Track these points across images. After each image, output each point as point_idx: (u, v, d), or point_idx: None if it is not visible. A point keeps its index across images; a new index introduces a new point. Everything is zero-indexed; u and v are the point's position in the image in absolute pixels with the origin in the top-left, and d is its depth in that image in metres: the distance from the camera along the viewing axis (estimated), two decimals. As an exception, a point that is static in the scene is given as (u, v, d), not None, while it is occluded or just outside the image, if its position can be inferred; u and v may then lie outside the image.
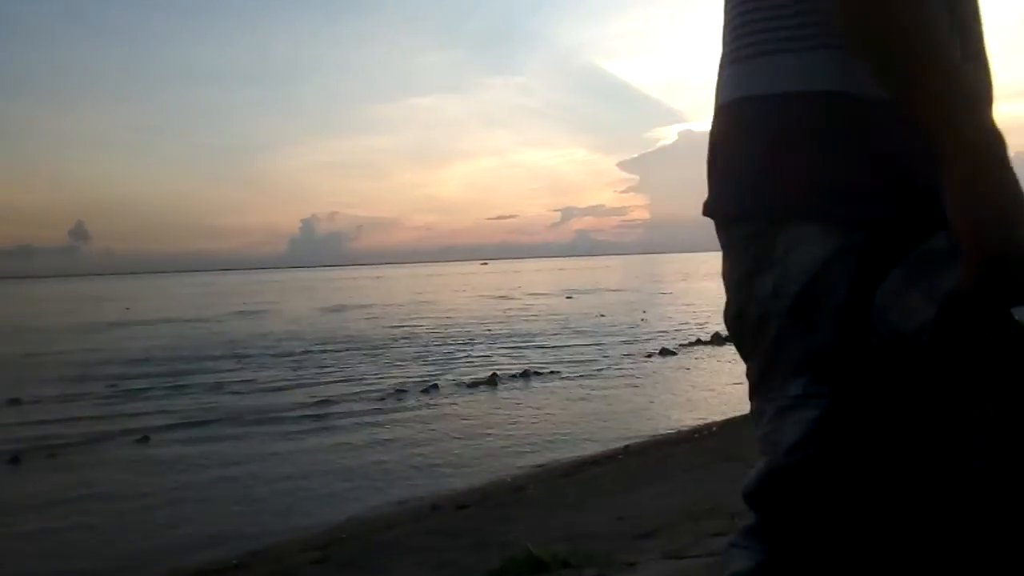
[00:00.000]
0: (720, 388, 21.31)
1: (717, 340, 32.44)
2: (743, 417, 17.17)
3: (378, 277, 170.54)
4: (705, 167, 1.61)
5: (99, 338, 40.67)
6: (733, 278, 1.50)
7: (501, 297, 67.58)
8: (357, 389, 21.50)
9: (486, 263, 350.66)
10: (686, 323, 39.06)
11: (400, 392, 21.20)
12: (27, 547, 10.39)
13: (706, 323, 38.94)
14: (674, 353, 27.89)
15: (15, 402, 20.82)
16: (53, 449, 15.32)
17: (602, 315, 44.95)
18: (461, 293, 79.94)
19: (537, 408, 18.85)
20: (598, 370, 24.61)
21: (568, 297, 65.29)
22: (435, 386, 21.97)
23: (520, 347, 30.83)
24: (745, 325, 1.52)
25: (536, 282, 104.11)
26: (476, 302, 63.51)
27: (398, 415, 18.41)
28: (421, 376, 23.82)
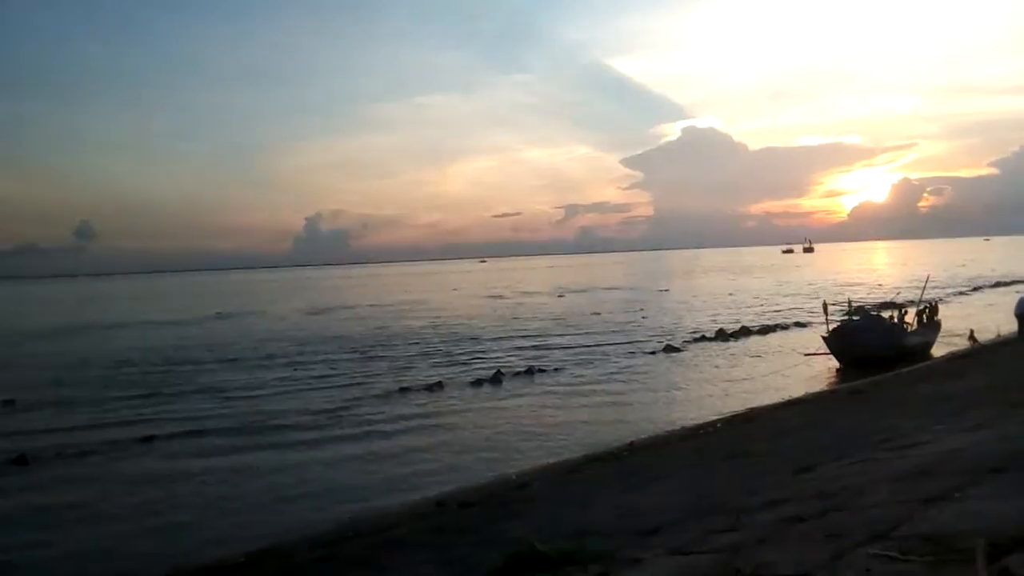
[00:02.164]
0: (724, 384, 21.32)
1: (722, 336, 32.60)
2: (747, 413, 17.24)
3: (375, 276, 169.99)
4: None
5: (80, 340, 40.40)
6: None
7: (492, 297, 66.97)
8: (358, 393, 21.15)
9: (484, 261, 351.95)
10: (687, 320, 39.18)
11: (404, 391, 21.25)
12: (39, 548, 10.46)
13: (709, 320, 39.47)
14: (679, 349, 27.90)
15: (9, 403, 20.70)
16: (60, 452, 15.30)
17: (596, 313, 45.18)
18: (453, 292, 79.29)
19: (541, 405, 18.86)
20: (602, 367, 24.63)
21: (560, 296, 65.29)
22: (439, 384, 22.03)
23: (521, 346, 30.76)
24: None
25: (530, 280, 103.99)
26: (467, 301, 63.11)
27: (403, 414, 18.43)
28: (424, 375, 23.84)
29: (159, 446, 15.90)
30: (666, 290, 66.40)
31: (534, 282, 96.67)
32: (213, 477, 13.41)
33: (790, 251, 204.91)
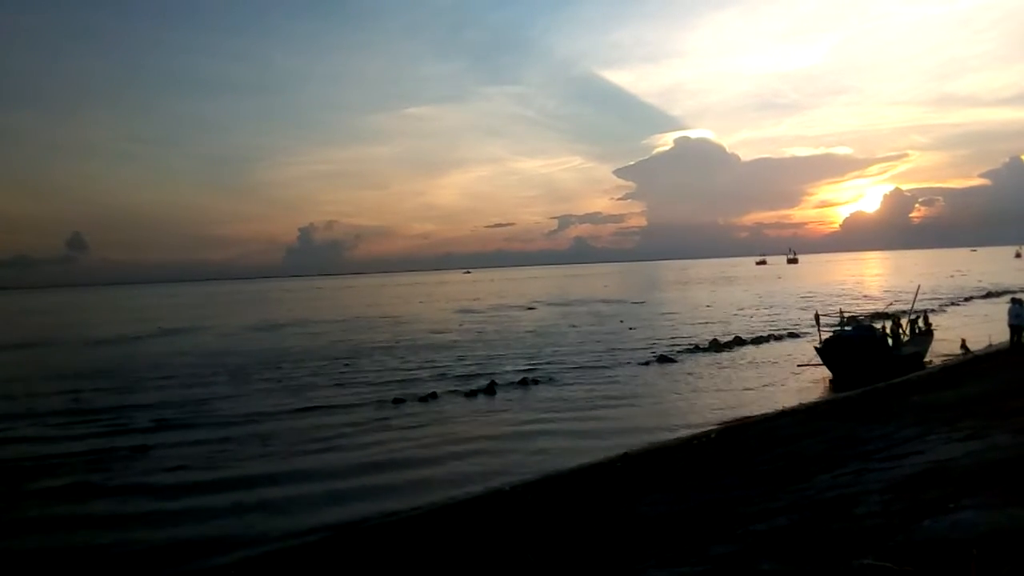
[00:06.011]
0: (718, 394, 21.24)
1: (715, 347, 32.60)
2: (741, 423, 17.23)
3: (350, 287, 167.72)
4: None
5: (30, 354, 39.29)
6: None
7: (461, 311, 64.82)
8: (348, 417, 20.50)
9: (469, 272, 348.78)
10: (674, 331, 39.00)
11: (398, 402, 21.14)
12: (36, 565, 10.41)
13: (697, 330, 39.24)
14: (673, 360, 27.87)
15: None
16: (68, 467, 15.08)
17: (573, 325, 44.86)
18: (424, 305, 77.99)
19: (535, 416, 18.76)
20: (595, 378, 24.56)
21: (531, 308, 64.64)
22: (433, 395, 21.91)
23: (502, 355, 30.64)
24: None
25: (506, 291, 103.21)
26: (434, 314, 61.41)
27: (399, 425, 18.32)
28: (412, 385, 23.73)
29: (155, 461, 15.84)
30: (642, 302, 65.59)
31: (510, 294, 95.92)
32: (209, 495, 13.37)
33: (763, 263, 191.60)
